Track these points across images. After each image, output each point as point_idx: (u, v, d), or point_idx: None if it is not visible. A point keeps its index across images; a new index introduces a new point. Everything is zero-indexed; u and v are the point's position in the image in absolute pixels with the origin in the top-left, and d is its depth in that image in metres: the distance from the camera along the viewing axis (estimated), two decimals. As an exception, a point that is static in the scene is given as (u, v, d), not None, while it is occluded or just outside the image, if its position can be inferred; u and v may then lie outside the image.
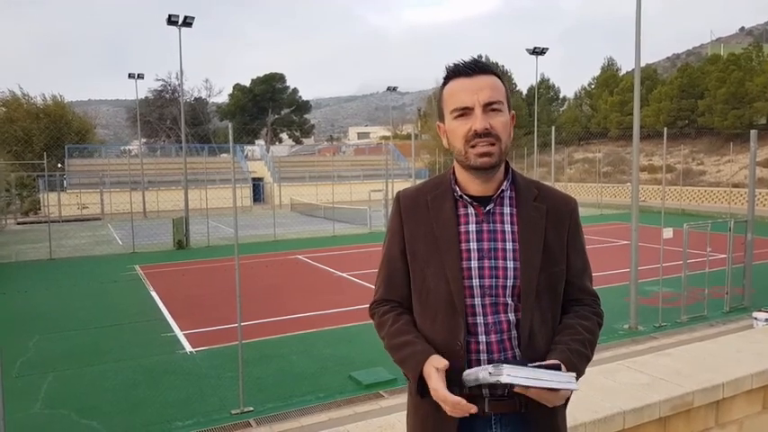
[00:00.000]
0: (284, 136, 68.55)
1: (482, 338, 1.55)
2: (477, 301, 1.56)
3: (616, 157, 40.08)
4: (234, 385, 6.59)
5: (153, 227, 23.87)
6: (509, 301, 1.56)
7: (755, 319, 8.14)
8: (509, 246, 1.58)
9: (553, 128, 15.31)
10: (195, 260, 16.68)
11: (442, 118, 1.64)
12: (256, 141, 60.63)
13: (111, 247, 20.10)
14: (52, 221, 20.14)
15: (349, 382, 6.96)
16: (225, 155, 45.17)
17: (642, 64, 11.53)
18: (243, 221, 22.02)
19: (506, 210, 1.62)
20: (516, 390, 1.40)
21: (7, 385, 5.28)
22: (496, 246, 1.58)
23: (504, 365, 1.36)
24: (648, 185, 32.07)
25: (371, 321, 1.74)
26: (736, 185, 28.39)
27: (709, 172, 34.23)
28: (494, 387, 1.54)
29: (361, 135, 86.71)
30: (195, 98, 60.86)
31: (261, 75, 62.98)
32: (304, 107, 68.11)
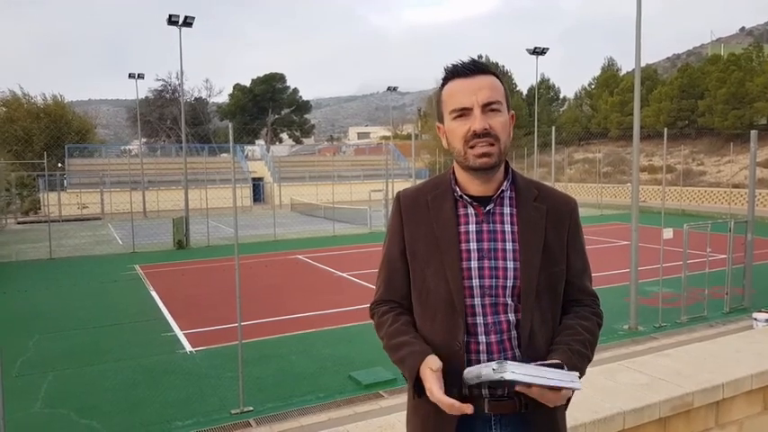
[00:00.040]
0: (284, 136, 68.55)
1: (482, 339, 1.55)
2: (477, 301, 1.56)
3: (616, 158, 40.08)
4: (234, 385, 6.60)
5: (153, 227, 23.87)
6: (509, 301, 1.56)
7: (755, 319, 8.14)
8: (509, 246, 1.58)
9: (553, 128, 15.30)
10: (195, 260, 16.68)
11: (441, 119, 1.63)
12: (256, 141, 60.63)
13: (111, 246, 20.10)
14: (52, 221, 20.13)
15: (349, 382, 6.96)
16: (225, 155, 45.16)
17: (642, 64, 11.53)
18: (243, 221, 22.02)
19: (506, 210, 1.61)
20: (518, 388, 1.39)
21: (7, 385, 5.29)
22: (496, 246, 1.58)
23: (508, 362, 1.36)
24: (648, 186, 32.07)
25: (371, 321, 1.74)
26: (736, 186, 28.39)
27: (709, 172, 34.23)
28: (493, 387, 1.54)
29: (361, 135, 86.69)
30: (195, 98, 60.89)
31: (261, 75, 63.04)
32: (304, 107, 68.10)
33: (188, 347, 8.50)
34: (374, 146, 59.00)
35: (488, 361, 1.53)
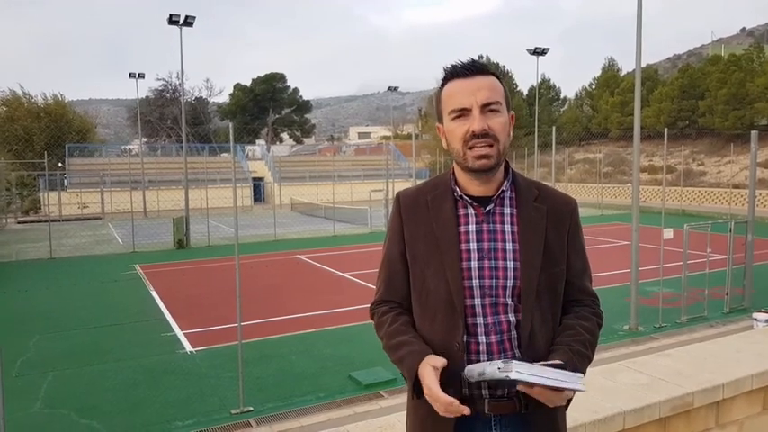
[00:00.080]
0: (285, 136, 68.56)
1: (482, 339, 1.55)
2: (477, 301, 1.56)
3: (617, 158, 40.08)
4: (234, 385, 6.59)
5: (153, 226, 23.86)
6: (509, 301, 1.56)
7: (755, 319, 8.14)
8: (509, 246, 1.58)
9: (554, 128, 15.30)
10: (195, 260, 16.68)
11: (440, 119, 1.63)
12: (257, 141, 60.65)
13: (112, 246, 20.10)
14: (52, 221, 20.13)
15: (349, 382, 6.96)
16: (225, 154, 45.17)
17: (643, 64, 11.53)
18: (243, 221, 22.02)
19: (506, 210, 1.61)
20: (519, 387, 1.39)
21: (7, 385, 5.29)
22: (496, 246, 1.58)
23: (514, 362, 1.36)
24: (649, 186, 32.06)
25: (371, 321, 1.74)
26: (736, 186, 28.38)
27: (709, 173, 34.23)
28: (493, 388, 1.54)
29: (361, 135, 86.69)
30: (196, 98, 60.91)
31: (261, 75, 63.05)
32: (304, 107, 68.11)
33: (188, 347, 8.50)
34: (375, 146, 59.01)
35: (484, 362, 1.53)
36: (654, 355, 3.21)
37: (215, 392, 6.78)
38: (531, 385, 1.37)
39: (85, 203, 32.33)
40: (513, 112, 1.63)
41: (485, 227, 1.59)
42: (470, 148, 1.54)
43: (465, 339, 1.55)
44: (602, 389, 2.66)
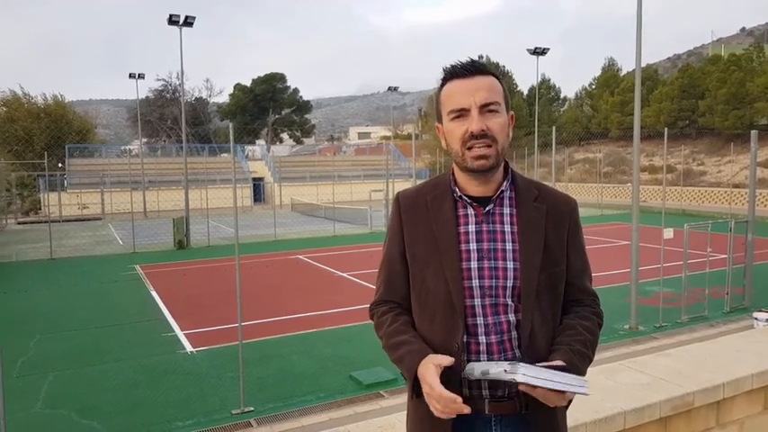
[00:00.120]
0: (285, 136, 68.55)
1: (482, 339, 1.55)
2: (477, 301, 1.55)
3: (617, 158, 40.08)
4: (234, 385, 6.60)
5: (153, 227, 23.87)
6: (509, 301, 1.56)
7: (756, 319, 8.14)
8: (509, 246, 1.58)
9: (554, 128, 15.31)
10: (196, 260, 16.68)
11: (440, 119, 1.63)
12: (257, 141, 60.64)
13: (112, 246, 20.11)
14: (53, 221, 20.15)
15: (349, 382, 6.96)
16: (225, 155, 45.18)
17: (643, 64, 11.52)
18: (243, 221, 22.04)
19: (506, 210, 1.61)
20: (522, 388, 1.39)
21: (8, 385, 5.28)
22: (496, 246, 1.58)
23: (520, 364, 1.36)
24: (649, 186, 32.06)
25: (371, 321, 1.75)
26: (736, 186, 28.39)
27: (709, 172, 34.23)
28: (494, 388, 1.54)
29: (361, 135, 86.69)
30: (196, 98, 60.92)
31: (261, 75, 63.05)
32: (305, 107, 68.11)
33: (188, 347, 8.50)
34: (375, 146, 59.00)
35: (489, 362, 1.52)
36: (654, 354, 3.21)
37: (215, 393, 6.78)
38: (535, 387, 1.37)
39: (86, 204, 32.34)
40: (512, 112, 1.63)
41: (484, 227, 1.59)
42: (469, 149, 1.54)
43: (465, 340, 1.55)
44: (603, 388, 2.66)
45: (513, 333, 1.55)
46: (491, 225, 1.59)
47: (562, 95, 53.27)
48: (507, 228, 1.60)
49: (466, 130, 1.53)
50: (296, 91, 66.11)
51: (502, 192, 1.61)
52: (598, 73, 48.70)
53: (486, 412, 1.55)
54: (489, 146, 1.53)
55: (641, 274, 9.86)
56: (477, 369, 1.45)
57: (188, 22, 20.99)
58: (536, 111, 30.95)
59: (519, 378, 1.34)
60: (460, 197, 1.61)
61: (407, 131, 62.57)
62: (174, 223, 19.47)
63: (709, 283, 9.59)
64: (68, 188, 33.97)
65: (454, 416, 1.43)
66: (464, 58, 1.60)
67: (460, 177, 1.63)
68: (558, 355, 1.50)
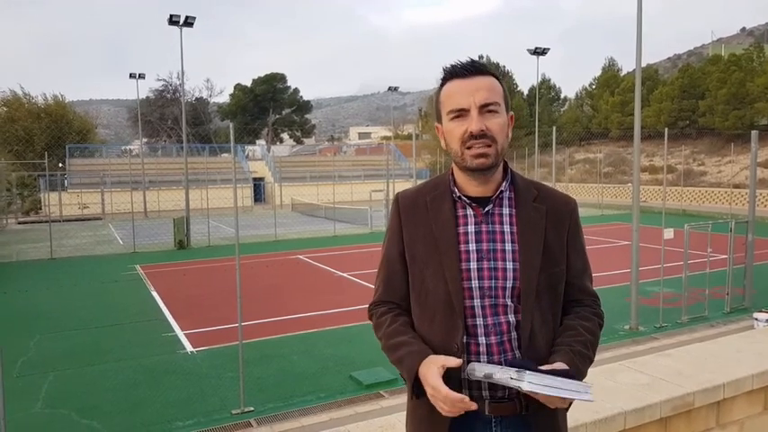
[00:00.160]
0: (285, 136, 68.55)
1: (482, 340, 1.54)
2: (477, 302, 1.55)
3: (617, 158, 40.07)
4: (234, 385, 6.59)
5: (154, 227, 23.87)
6: (509, 302, 1.55)
7: (756, 319, 8.14)
8: (508, 247, 1.57)
9: (554, 128, 15.31)
10: (196, 260, 16.68)
11: (439, 119, 1.63)
12: (257, 141, 60.64)
13: (112, 246, 20.11)
14: (53, 221, 20.14)
15: (350, 382, 6.96)
16: (226, 155, 45.19)
17: (643, 64, 11.52)
18: (244, 221, 22.04)
19: (505, 211, 1.61)
20: (524, 391, 1.39)
21: (8, 385, 5.29)
22: (495, 247, 1.57)
23: (527, 372, 1.36)
24: (649, 186, 32.05)
25: (370, 322, 1.74)
26: (737, 186, 28.38)
27: (710, 172, 34.22)
28: (494, 389, 1.53)
29: (362, 135, 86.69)
30: (196, 98, 60.92)
31: (262, 75, 63.05)
32: (305, 107, 68.10)
33: (189, 347, 8.51)
34: (375, 146, 59.01)
35: (489, 362, 1.52)
36: (654, 355, 3.21)
37: (216, 393, 6.78)
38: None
39: (86, 204, 32.34)
40: (512, 112, 1.63)
41: (484, 227, 1.59)
42: (468, 148, 1.54)
43: (465, 340, 1.54)
44: (603, 389, 2.66)
45: (513, 334, 1.55)
46: (490, 225, 1.59)
47: (562, 95, 53.34)
48: (507, 228, 1.59)
49: (465, 130, 1.53)
50: (296, 91, 66.12)
51: (501, 192, 1.61)
52: (598, 73, 48.75)
53: (486, 413, 1.54)
54: (489, 145, 1.53)
55: (641, 274, 9.86)
56: (478, 371, 1.45)
57: (188, 22, 21.00)
58: (536, 111, 30.95)
59: (525, 387, 1.34)
60: (460, 197, 1.61)
61: (408, 131, 62.60)
62: (175, 223, 19.47)
63: (710, 284, 9.58)
64: (69, 188, 33.98)
65: (466, 410, 1.42)
66: (464, 58, 1.59)
67: (460, 178, 1.63)
68: (558, 356, 1.50)
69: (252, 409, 6.26)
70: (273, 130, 66.02)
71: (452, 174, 1.66)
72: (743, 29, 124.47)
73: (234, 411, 6.22)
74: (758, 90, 33.13)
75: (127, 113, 68.05)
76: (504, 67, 48.73)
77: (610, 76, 46.09)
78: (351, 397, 6.55)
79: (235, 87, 63.46)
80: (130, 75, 34.33)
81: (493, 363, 1.51)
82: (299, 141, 68.29)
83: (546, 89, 49.94)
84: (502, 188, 1.61)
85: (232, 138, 7.50)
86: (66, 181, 34.82)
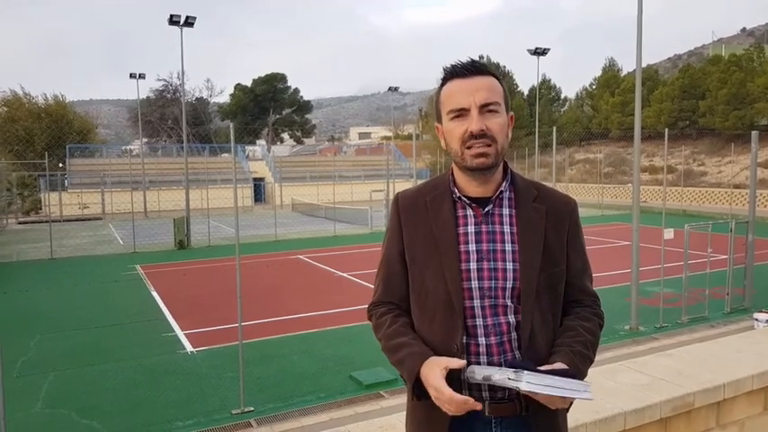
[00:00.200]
0: (285, 136, 68.57)
1: (482, 341, 1.54)
2: (477, 302, 1.55)
3: (617, 158, 40.07)
4: (234, 385, 6.60)
5: (154, 227, 23.87)
6: (509, 302, 1.55)
7: (756, 320, 8.13)
8: (508, 247, 1.57)
9: (554, 128, 15.31)
10: (196, 260, 16.68)
11: (439, 119, 1.63)
12: (257, 141, 60.65)
13: (112, 246, 20.11)
14: (53, 221, 20.14)
15: (350, 383, 6.96)
16: (226, 155, 45.19)
17: (643, 64, 11.52)
18: (244, 221, 22.04)
19: (505, 211, 1.61)
20: (523, 391, 1.39)
21: (8, 385, 5.29)
22: (495, 247, 1.57)
23: (525, 372, 1.36)
24: (649, 186, 32.04)
25: (370, 322, 1.74)
26: (737, 186, 28.37)
27: (710, 173, 34.22)
28: (494, 389, 1.53)
29: (362, 135, 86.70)
30: (196, 98, 60.92)
31: (262, 75, 63.06)
32: (305, 107, 68.12)
33: (189, 348, 8.51)
34: (375, 146, 59.02)
35: (488, 363, 1.52)
36: (655, 355, 3.21)
37: (216, 393, 6.78)
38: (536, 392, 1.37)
39: (86, 204, 32.34)
40: (512, 112, 1.63)
41: (484, 228, 1.59)
42: (468, 148, 1.53)
43: (465, 341, 1.54)
44: (603, 389, 2.66)
45: (513, 334, 1.55)
46: (490, 226, 1.59)
47: (563, 96, 53.33)
48: (507, 228, 1.59)
49: (465, 130, 1.53)
50: (296, 91, 66.13)
51: (501, 192, 1.61)
52: (598, 73, 48.77)
53: (487, 414, 1.54)
54: (489, 145, 1.53)
55: (642, 274, 9.86)
56: (478, 373, 1.45)
57: (188, 22, 21.01)
58: (536, 111, 30.96)
59: (523, 387, 1.33)
60: (460, 198, 1.61)
61: (408, 132, 62.58)
62: (175, 223, 19.47)
63: (710, 284, 9.59)
64: (69, 188, 33.98)
65: (471, 410, 1.42)
66: (464, 58, 1.59)
67: (460, 178, 1.63)
68: (558, 356, 1.50)
69: (252, 409, 6.26)
70: (274, 130, 66.03)
71: (452, 174, 1.65)
72: (743, 29, 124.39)
73: (234, 411, 6.22)
74: (758, 90, 33.12)
75: (127, 113, 68.09)
76: (505, 67, 48.74)
77: (610, 77, 46.10)
78: (351, 397, 6.55)
79: (235, 87, 63.52)
80: (131, 75, 34.35)
81: (493, 363, 1.51)
82: (299, 141, 68.30)
83: (546, 89, 49.93)
84: (502, 188, 1.61)
85: (232, 138, 7.50)
86: (66, 181, 34.82)
